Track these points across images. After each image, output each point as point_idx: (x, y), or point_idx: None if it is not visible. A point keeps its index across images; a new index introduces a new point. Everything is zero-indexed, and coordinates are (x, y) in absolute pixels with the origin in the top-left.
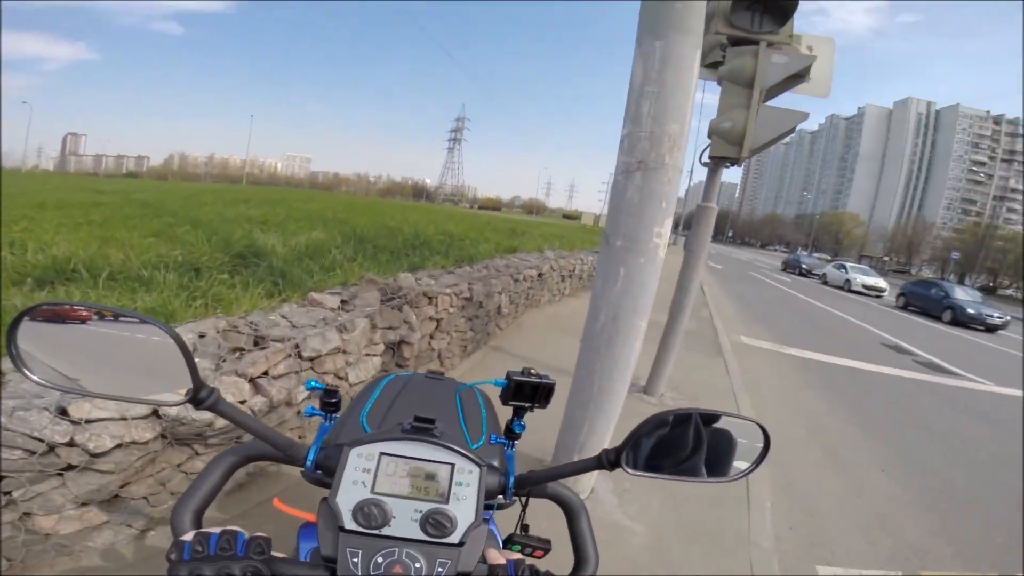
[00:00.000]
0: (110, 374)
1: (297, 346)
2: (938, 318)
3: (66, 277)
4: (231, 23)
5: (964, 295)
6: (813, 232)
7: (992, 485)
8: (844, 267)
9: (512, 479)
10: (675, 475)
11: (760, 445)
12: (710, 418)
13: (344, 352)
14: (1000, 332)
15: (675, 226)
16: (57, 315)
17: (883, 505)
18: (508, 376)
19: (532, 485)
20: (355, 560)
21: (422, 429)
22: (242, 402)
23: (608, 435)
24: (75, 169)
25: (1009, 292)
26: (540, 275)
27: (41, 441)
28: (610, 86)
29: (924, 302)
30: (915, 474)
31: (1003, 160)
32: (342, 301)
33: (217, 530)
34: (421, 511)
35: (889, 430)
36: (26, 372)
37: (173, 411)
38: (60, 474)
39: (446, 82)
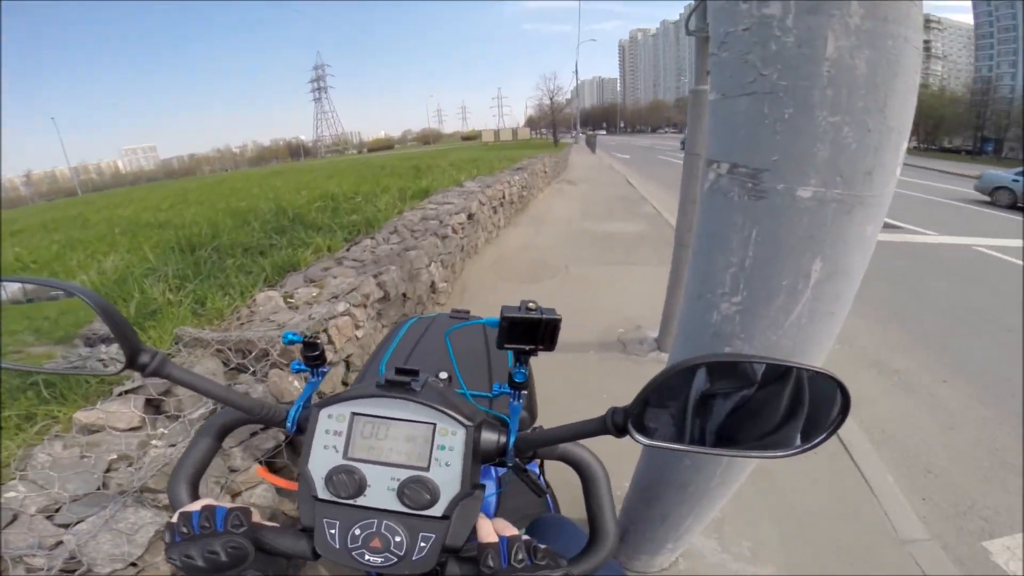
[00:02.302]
0: (46, 347)
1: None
2: None
3: None
4: None
5: None
6: None
7: None
8: None
9: (513, 439)
10: (706, 446)
11: (835, 407)
12: (754, 368)
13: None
14: None
15: (575, 124)
16: None
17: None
18: (501, 314)
19: (535, 447)
20: (332, 532)
21: (399, 384)
22: None
23: None
24: None
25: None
26: (471, 217)
27: None
28: None
29: None
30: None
31: None
32: (148, 402)
33: (197, 507)
34: (399, 479)
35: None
36: None
37: None
38: None
39: (293, 31)
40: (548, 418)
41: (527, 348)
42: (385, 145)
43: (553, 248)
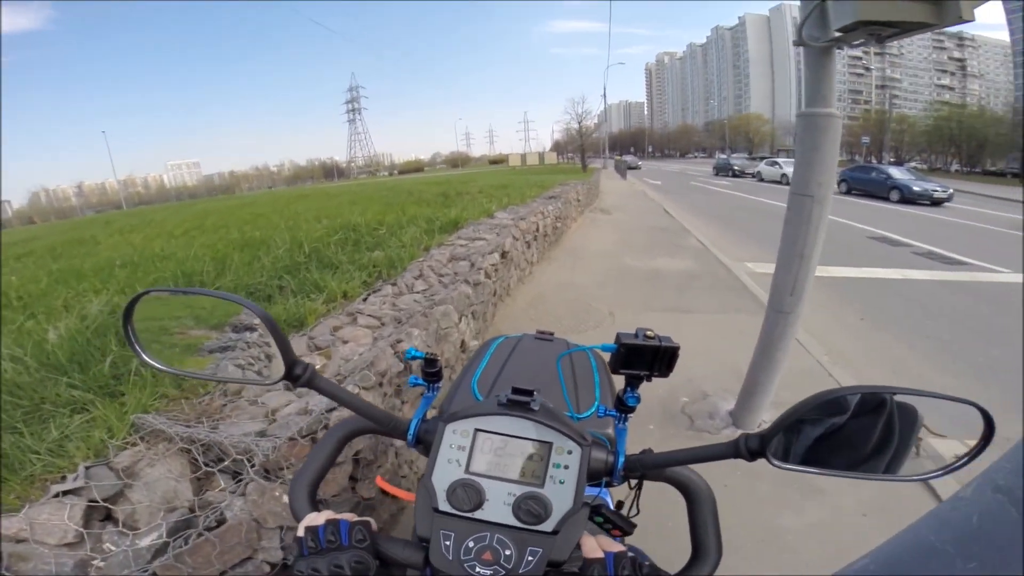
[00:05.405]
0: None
1: None
2: (884, 199)
3: None
4: (55, 38)
5: (903, 174)
6: (726, 136)
7: None
8: (777, 163)
9: (622, 459)
10: (842, 471)
11: (976, 432)
12: (886, 397)
13: None
14: (946, 205)
15: (604, 149)
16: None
17: None
18: (617, 340)
19: (646, 469)
20: (447, 543)
21: (518, 403)
22: None
23: None
24: None
25: (913, 164)
26: (504, 255)
27: None
28: (515, 18)
29: (867, 185)
30: None
31: (876, 53)
32: (86, 523)
33: (322, 521)
34: (515, 495)
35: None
36: (140, 354)
37: None
38: None
39: (331, 54)
40: None
41: (642, 374)
42: (415, 167)
43: (593, 288)
